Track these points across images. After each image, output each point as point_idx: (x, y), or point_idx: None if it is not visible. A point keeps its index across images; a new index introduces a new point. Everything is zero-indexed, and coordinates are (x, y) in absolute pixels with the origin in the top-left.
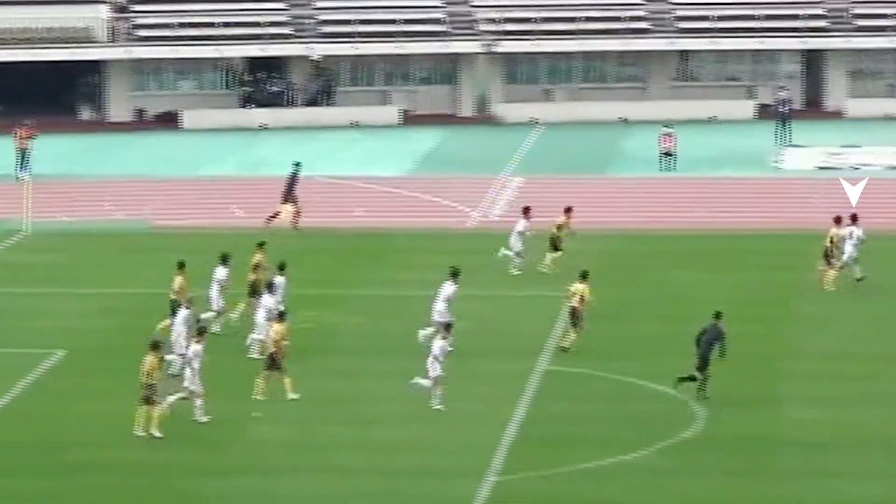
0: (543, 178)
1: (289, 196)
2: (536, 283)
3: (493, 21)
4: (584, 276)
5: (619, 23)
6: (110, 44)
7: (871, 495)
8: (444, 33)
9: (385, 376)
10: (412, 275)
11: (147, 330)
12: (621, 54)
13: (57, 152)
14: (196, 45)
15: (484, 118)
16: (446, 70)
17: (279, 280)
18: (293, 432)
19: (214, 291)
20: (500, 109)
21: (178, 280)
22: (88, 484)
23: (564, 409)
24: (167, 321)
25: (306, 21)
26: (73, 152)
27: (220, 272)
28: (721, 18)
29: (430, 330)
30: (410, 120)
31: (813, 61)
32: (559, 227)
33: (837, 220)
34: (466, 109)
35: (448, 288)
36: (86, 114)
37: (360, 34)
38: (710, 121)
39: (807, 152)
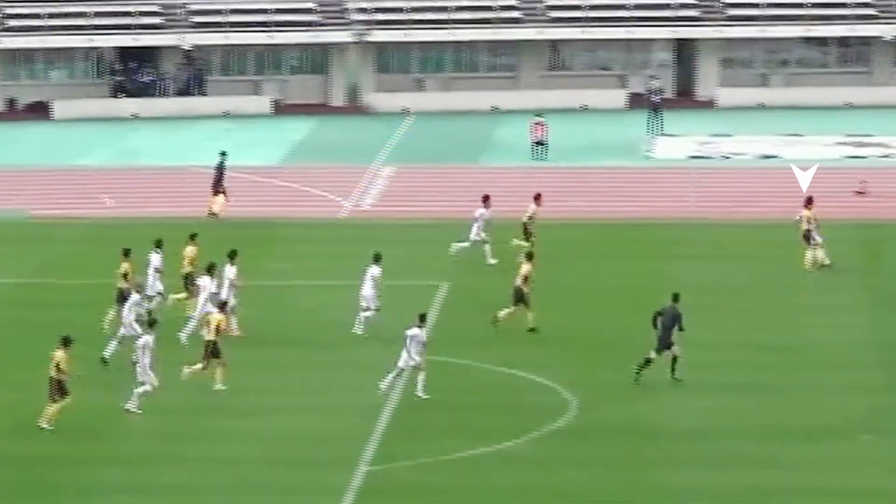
0: (415, 167)
1: (218, 187)
2: (415, 273)
3: (364, 11)
4: (529, 257)
5: (490, 12)
6: None
7: (745, 483)
8: (315, 23)
9: (264, 367)
10: (285, 264)
11: (26, 320)
12: (493, 44)
13: None
14: (67, 35)
15: (355, 108)
16: (317, 59)
17: (229, 269)
18: (172, 422)
19: (151, 277)
20: (372, 99)
21: (124, 266)
22: None
23: (437, 398)
24: (112, 312)
25: (177, 11)
26: None
27: (155, 258)
28: (592, 8)
29: (367, 314)
30: (282, 109)
31: (684, 50)
32: (530, 217)
33: (808, 202)
34: (338, 99)
35: (374, 270)
36: None
37: (231, 24)
38: (582, 110)
39: (678, 141)
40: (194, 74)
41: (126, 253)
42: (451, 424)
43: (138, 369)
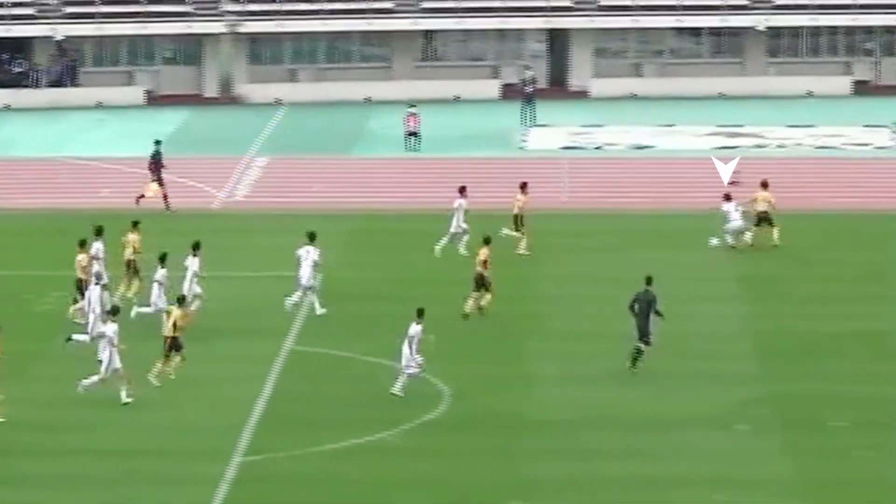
0: (289, 158)
1: (157, 174)
2: (288, 264)
3: (236, 1)
4: (486, 242)
5: (363, 2)
6: None
7: (619, 474)
8: (188, 14)
9: (135, 358)
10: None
11: None
12: (366, 34)
13: None
14: None
15: (228, 99)
16: (190, 50)
17: (193, 260)
18: (42, 414)
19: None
20: (245, 90)
21: (82, 257)
22: None
23: (310, 389)
24: (78, 304)
25: (49, 2)
26: None
27: (97, 245)
28: None
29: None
30: (155, 100)
31: (557, 41)
32: (521, 207)
33: (764, 185)
34: (211, 90)
35: (313, 253)
36: None
37: (104, 14)
38: (455, 101)
39: (552, 132)
40: (67, 65)
41: (82, 244)
42: (324, 416)
43: (103, 358)
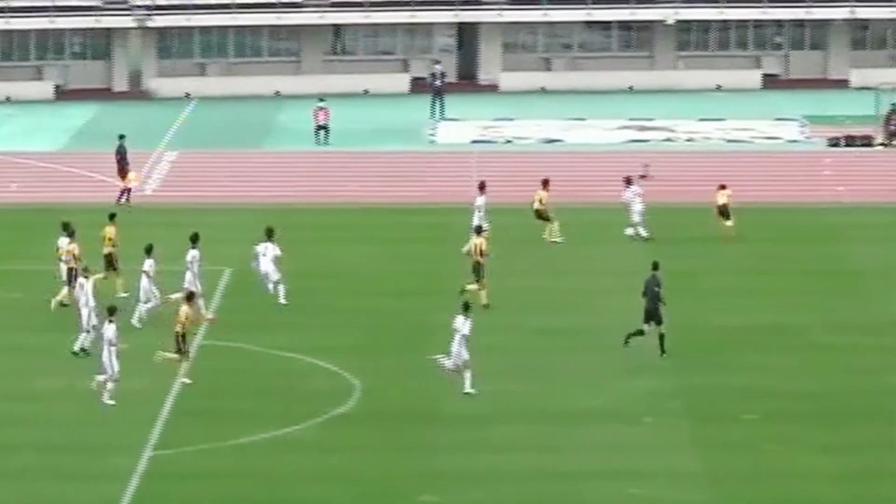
0: (198, 152)
1: (123, 170)
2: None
3: None
4: (478, 231)
5: None
6: None
7: (529, 467)
8: (97, 8)
9: (44, 352)
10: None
11: None
12: (275, 28)
13: None
14: None
15: (138, 93)
16: (100, 45)
17: (193, 253)
18: None
19: (144, 282)
20: (154, 84)
21: (72, 248)
22: None
23: (221, 383)
24: (64, 292)
25: None
26: None
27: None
28: None
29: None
30: (64, 95)
31: (466, 35)
32: (541, 200)
33: (722, 187)
34: (120, 84)
35: (272, 251)
36: None
37: (12, 9)
38: (365, 94)
39: (461, 126)
40: None
41: (71, 234)
42: (235, 410)
43: (104, 357)
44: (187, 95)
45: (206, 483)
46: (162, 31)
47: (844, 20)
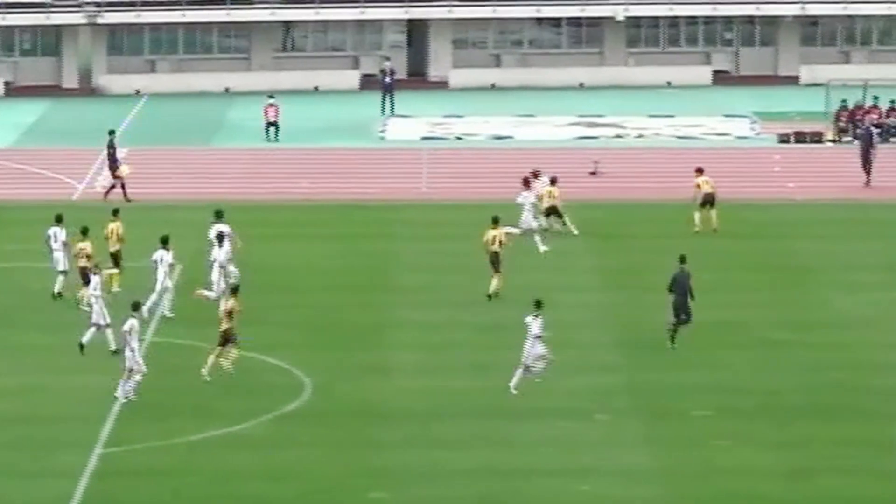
0: (148, 149)
1: (114, 164)
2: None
3: None
4: (495, 222)
5: None
6: None
7: (479, 464)
8: (47, 4)
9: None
10: (19, 246)
11: None
12: (225, 25)
13: None
14: None
15: (88, 90)
16: (49, 41)
17: (220, 250)
18: None
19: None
20: (104, 81)
21: (86, 246)
22: None
23: (171, 380)
24: (83, 291)
25: None
26: None
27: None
28: None
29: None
30: (14, 91)
31: (416, 31)
32: (550, 195)
33: (700, 171)
34: (70, 81)
35: (220, 254)
36: None
37: None
38: (315, 91)
39: (411, 122)
40: None
41: (84, 232)
42: (185, 407)
43: (127, 355)
44: (137, 92)
45: (156, 480)
46: (112, 28)
47: (794, 17)
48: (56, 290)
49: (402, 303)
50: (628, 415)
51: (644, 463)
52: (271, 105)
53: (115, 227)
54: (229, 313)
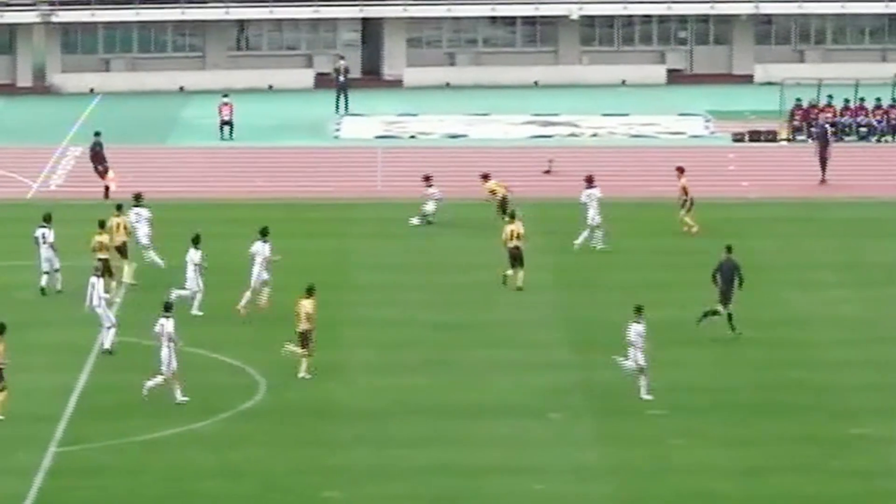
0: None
1: (102, 165)
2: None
3: None
4: (512, 217)
5: None
6: None
7: (433, 462)
8: (1, 3)
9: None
10: None
11: None
12: (179, 24)
13: None
14: None
15: (42, 88)
16: (3, 40)
17: (260, 246)
18: None
19: (191, 272)
20: (58, 79)
21: (104, 239)
22: None
23: (126, 379)
24: (114, 284)
25: None
26: None
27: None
28: None
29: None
30: None
31: (371, 30)
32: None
33: (680, 170)
34: (24, 79)
35: (258, 248)
36: None
37: None
38: (269, 90)
39: (365, 121)
40: None
41: (101, 226)
42: (140, 406)
43: (163, 354)
44: (92, 91)
45: (111, 479)
46: (66, 27)
47: (749, 15)
48: (42, 285)
49: (357, 301)
50: (582, 413)
51: (598, 461)
52: (226, 104)
53: (120, 221)
54: (309, 316)
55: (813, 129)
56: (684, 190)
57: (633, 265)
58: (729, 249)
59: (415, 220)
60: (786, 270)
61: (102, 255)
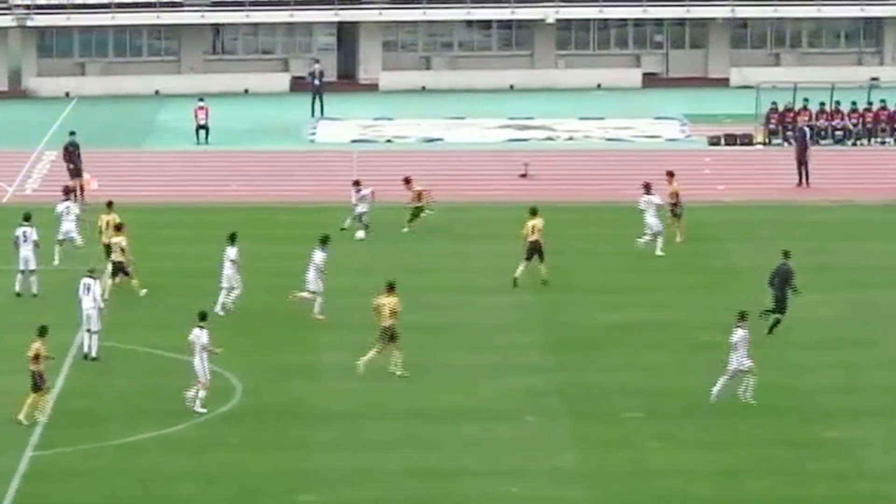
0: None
1: (75, 165)
2: (70, 258)
3: None
4: (533, 213)
5: None
6: None
7: (408, 465)
8: None
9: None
10: None
11: None
12: (155, 28)
13: None
14: None
15: (17, 92)
16: None
17: (319, 254)
18: None
19: (229, 269)
20: (34, 83)
21: (120, 240)
22: None
23: (101, 382)
24: (133, 281)
25: None
26: None
27: (231, 252)
28: None
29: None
30: None
31: (346, 34)
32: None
33: (670, 174)
34: (0, 83)
35: (317, 256)
36: None
37: None
38: (245, 94)
39: (341, 125)
40: None
41: (119, 228)
42: (116, 409)
43: (196, 364)
44: (67, 95)
45: (85, 482)
46: (41, 31)
47: (724, 19)
48: (17, 291)
49: (332, 304)
50: (558, 416)
51: (574, 464)
52: (201, 107)
53: (110, 219)
54: (393, 312)
55: (790, 133)
56: (675, 195)
57: (608, 268)
58: (786, 255)
59: (360, 234)
60: (759, 273)
61: (118, 257)
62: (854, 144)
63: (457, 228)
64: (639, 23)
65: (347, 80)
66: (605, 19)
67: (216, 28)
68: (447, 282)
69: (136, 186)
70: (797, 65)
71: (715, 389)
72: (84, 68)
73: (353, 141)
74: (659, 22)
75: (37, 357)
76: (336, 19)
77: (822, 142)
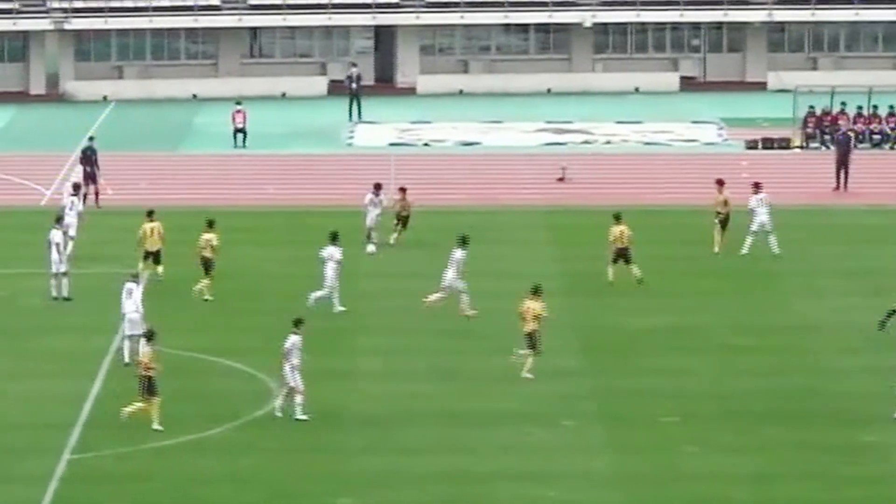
0: (115, 155)
1: (91, 169)
2: (110, 260)
3: None
4: (617, 218)
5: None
6: None
7: (445, 469)
8: (14, 11)
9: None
10: None
11: None
12: (192, 31)
13: None
14: None
15: (55, 96)
16: (16, 47)
17: (459, 254)
18: None
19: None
20: (71, 87)
21: (211, 237)
22: None
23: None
24: (202, 282)
25: None
26: None
27: (335, 253)
28: None
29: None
30: None
31: (384, 37)
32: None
33: (720, 182)
34: (37, 87)
35: (457, 254)
36: None
37: None
38: (282, 97)
39: (379, 129)
40: None
41: (211, 224)
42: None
43: (286, 370)
44: (105, 98)
45: (122, 486)
46: (79, 34)
47: (762, 23)
48: (53, 295)
49: (366, 308)
50: (593, 420)
51: (609, 468)
52: (239, 111)
53: (154, 227)
54: (537, 316)
55: (837, 136)
56: (725, 203)
57: (644, 272)
58: None
59: (371, 249)
60: (796, 277)
61: (207, 254)
62: (891, 149)
63: (492, 232)
64: (676, 27)
65: (385, 83)
66: (643, 23)
67: (253, 31)
68: (483, 286)
69: (173, 190)
70: (834, 69)
71: None
72: (121, 72)
73: (391, 144)
74: (696, 26)
75: (147, 363)
76: (374, 23)
77: (860, 146)
